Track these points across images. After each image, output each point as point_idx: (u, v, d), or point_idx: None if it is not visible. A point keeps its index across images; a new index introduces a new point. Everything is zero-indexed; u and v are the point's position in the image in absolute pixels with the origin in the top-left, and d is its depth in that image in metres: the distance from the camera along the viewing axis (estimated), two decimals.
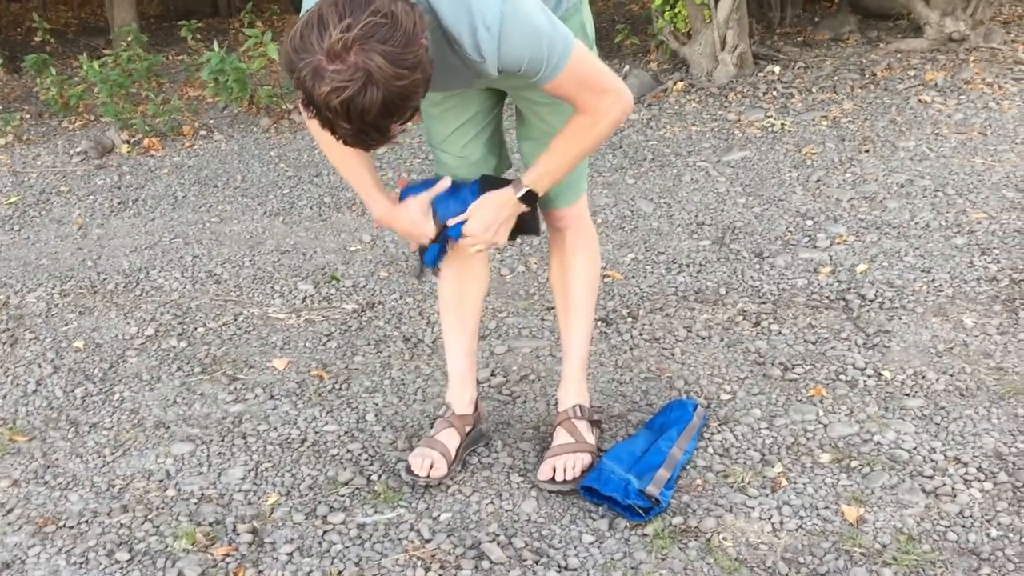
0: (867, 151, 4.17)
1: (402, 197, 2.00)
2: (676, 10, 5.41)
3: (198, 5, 10.35)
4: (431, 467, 2.17)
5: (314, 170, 4.66)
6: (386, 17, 1.46)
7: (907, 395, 2.42)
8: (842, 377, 2.52)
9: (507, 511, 2.10)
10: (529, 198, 1.92)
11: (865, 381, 2.49)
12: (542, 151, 1.95)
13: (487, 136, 2.09)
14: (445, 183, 1.99)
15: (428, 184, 2.00)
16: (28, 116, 6.13)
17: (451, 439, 2.24)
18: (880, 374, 2.52)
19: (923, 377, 2.49)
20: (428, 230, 1.97)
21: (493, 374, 2.67)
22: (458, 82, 1.80)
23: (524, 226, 1.99)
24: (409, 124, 1.62)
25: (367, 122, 1.51)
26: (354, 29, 1.45)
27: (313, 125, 1.92)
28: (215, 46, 5.52)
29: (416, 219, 1.96)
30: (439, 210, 1.97)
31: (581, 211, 2.18)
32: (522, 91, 1.99)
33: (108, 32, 8.41)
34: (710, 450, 2.25)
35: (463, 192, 1.97)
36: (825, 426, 2.32)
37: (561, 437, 2.21)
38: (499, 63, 1.68)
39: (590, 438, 2.22)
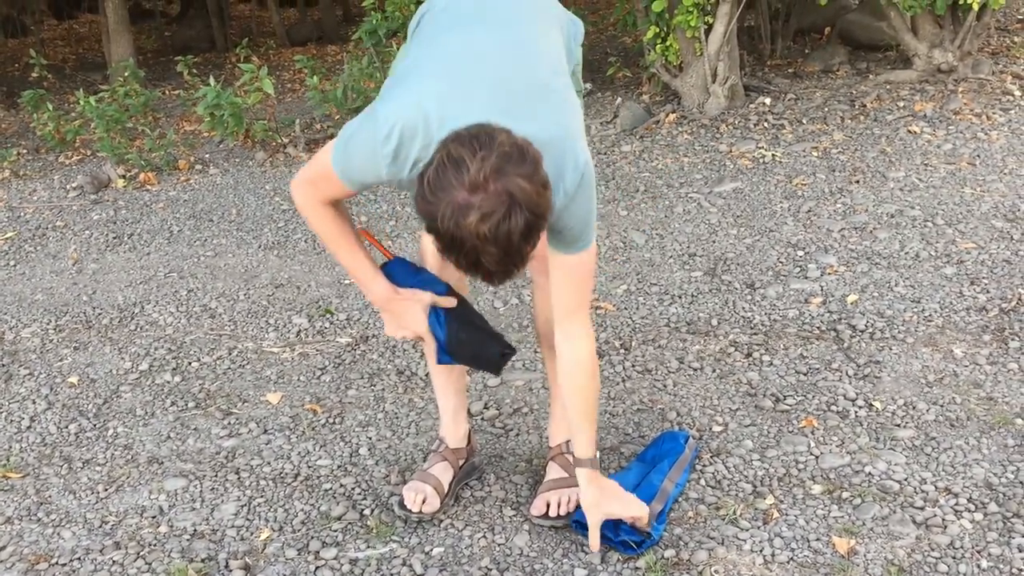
0: (857, 182, 4.20)
1: (387, 269, 2.01)
2: (668, 43, 5.47)
3: (195, 40, 10.45)
4: (424, 502, 2.18)
5: None
6: (513, 147, 1.55)
7: (898, 426, 2.43)
8: (833, 408, 2.53)
9: (500, 545, 2.10)
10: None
11: (856, 412, 2.51)
12: None
13: None
14: (438, 294, 2.00)
15: (407, 271, 2.02)
16: (25, 151, 6.16)
17: (444, 473, 2.24)
18: (871, 405, 2.53)
19: (914, 407, 2.50)
20: (421, 327, 1.98)
21: (486, 407, 2.68)
22: None
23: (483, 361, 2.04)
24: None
25: (513, 246, 1.55)
26: (490, 159, 1.51)
27: (307, 203, 1.92)
28: (211, 81, 5.57)
29: (418, 318, 1.98)
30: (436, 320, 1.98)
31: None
32: None
33: (106, 67, 8.48)
34: (702, 482, 2.26)
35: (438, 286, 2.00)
36: (816, 457, 2.33)
37: (554, 472, 2.21)
38: (556, 220, 1.75)
39: None
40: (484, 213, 1.51)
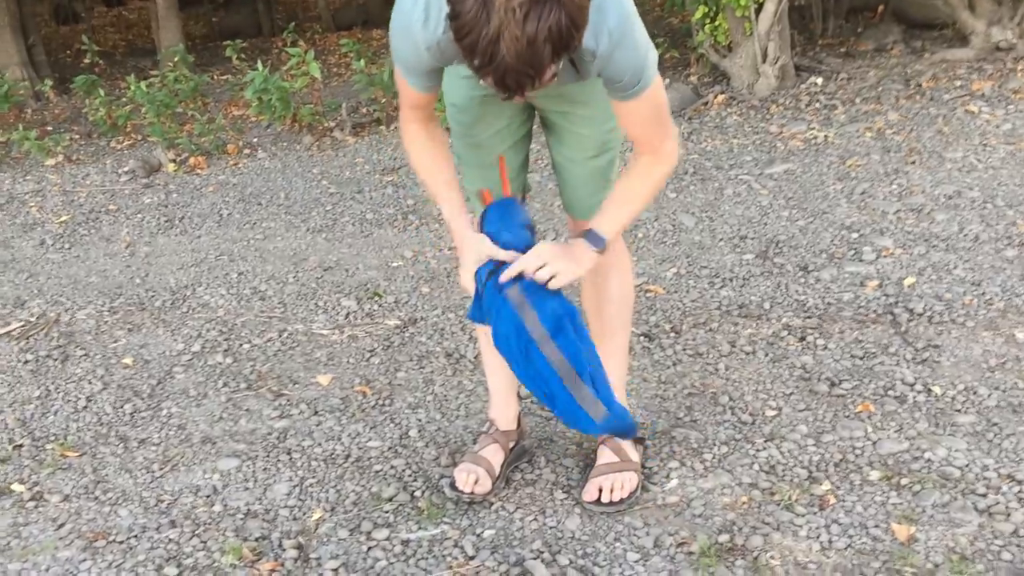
0: (913, 162, 4.11)
1: (490, 208, 1.95)
2: (716, 23, 5.39)
3: (242, 26, 10.53)
4: (476, 483, 2.17)
5: (356, 187, 4.70)
6: None
7: (958, 411, 2.38)
8: (891, 393, 2.48)
9: (551, 528, 2.09)
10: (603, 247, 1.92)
11: (915, 397, 2.45)
12: (574, 158, 1.98)
13: (524, 148, 2.10)
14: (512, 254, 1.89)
15: (505, 215, 1.93)
16: (77, 136, 6.26)
17: (495, 455, 2.24)
18: (930, 390, 2.47)
19: (974, 393, 2.44)
20: (464, 278, 1.91)
21: None
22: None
23: None
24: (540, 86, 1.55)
25: (537, 43, 1.44)
26: None
27: (402, 125, 1.91)
28: (259, 66, 5.60)
29: (466, 267, 1.91)
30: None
31: None
32: (560, 103, 1.99)
33: (155, 53, 8.58)
34: (755, 467, 2.23)
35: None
36: (874, 443, 2.28)
37: (605, 456, 2.19)
38: (605, 67, 1.71)
39: (634, 456, 2.20)
40: None
